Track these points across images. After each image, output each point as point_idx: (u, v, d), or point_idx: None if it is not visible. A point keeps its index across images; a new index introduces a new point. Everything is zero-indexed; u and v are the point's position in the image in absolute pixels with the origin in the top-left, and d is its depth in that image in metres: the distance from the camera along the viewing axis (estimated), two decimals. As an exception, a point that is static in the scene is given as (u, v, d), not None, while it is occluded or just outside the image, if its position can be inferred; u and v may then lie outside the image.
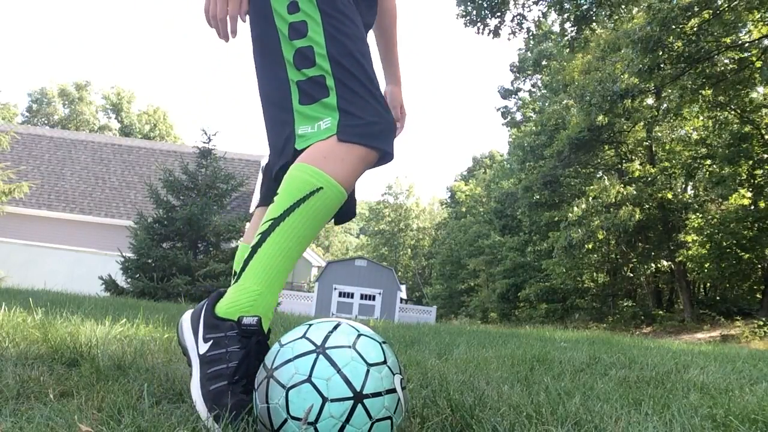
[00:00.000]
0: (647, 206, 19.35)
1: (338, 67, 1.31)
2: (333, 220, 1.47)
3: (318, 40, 1.32)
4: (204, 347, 1.20)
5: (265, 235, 1.22)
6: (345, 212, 1.45)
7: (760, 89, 16.98)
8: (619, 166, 22.18)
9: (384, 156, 1.33)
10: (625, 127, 20.04)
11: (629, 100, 17.18)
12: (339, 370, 1.05)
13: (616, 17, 15.33)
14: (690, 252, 18.58)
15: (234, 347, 1.19)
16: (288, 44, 1.34)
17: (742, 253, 17.50)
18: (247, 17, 1.45)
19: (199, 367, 1.19)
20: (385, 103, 1.35)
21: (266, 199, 1.52)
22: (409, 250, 50.77)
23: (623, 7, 15.19)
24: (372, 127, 1.29)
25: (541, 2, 15.18)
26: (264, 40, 1.39)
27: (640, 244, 20.99)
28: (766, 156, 16.73)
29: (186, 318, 1.30)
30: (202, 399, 1.16)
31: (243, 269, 1.23)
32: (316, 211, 1.24)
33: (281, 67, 1.35)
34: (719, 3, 14.03)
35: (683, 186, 21.65)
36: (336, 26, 1.34)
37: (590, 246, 19.52)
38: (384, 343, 1.18)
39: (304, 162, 1.25)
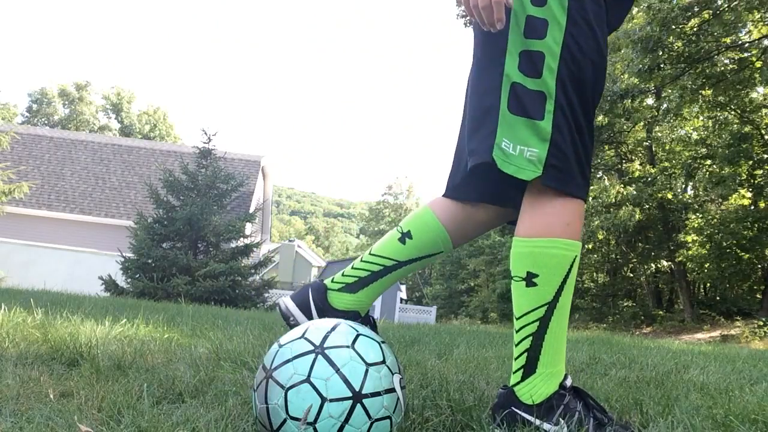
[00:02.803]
0: (647, 206, 19.34)
1: (564, 91, 1.18)
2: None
3: (554, 49, 1.17)
4: (555, 428, 1.19)
5: (543, 323, 1.21)
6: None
7: (760, 89, 16.97)
8: (619, 166, 22.17)
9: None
10: (625, 127, 20.02)
11: (629, 100, 17.16)
12: (338, 370, 1.05)
13: (616, 17, 15.31)
14: (690, 252, 18.57)
15: (576, 405, 1.20)
16: (518, 37, 1.19)
17: (742, 253, 17.49)
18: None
19: None
20: (587, 145, 1.26)
21: (459, 192, 1.44)
22: (409, 250, 50.72)
23: (623, 7, 15.17)
24: (577, 178, 1.22)
25: (541, 2, 15.16)
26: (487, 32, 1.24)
27: (640, 244, 20.98)
28: (766, 156, 16.73)
29: None
30: None
31: (534, 359, 1.21)
32: (573, 280, 1.23)
33: (499, 59, 1.21)
34: (719, 3, 14.02)
35: (683, 186, 21.64)
36: (578, 40, 1.19)
37: (590, 246, 19.52)
38: (383, 342, 1.18)
39: (549, 237, 1.20)
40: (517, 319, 1.24)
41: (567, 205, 1.21)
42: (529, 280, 1.21)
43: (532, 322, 1.21)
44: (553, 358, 1.21)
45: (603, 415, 1.22)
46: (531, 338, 1.21)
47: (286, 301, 1.51)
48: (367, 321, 1.47)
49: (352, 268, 1.48)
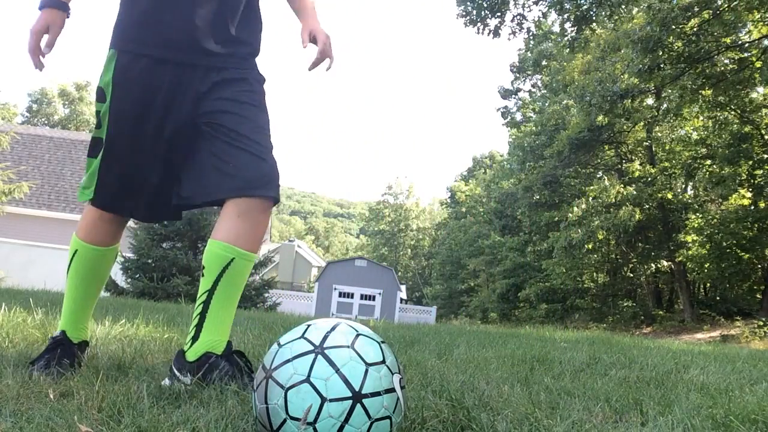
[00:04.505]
0: (647, 206, 19.32)
1: (109, 139, 1.63)
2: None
3: (104, 109, 1.63)
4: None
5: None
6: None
7: (760, 89, 16.95)
8: (619, 166, 22.16)
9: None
10: (625, 127, 20.01)
11: (629, 100, 17.15)
12: (338, 370, 1.05)
13: (616, 17, 15.32)
14: (690, 252, 18.55)
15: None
16: (96, 103, 1.68)
17: (742, 253, 17.47)
18: None
19: None
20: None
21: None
22: (409, 250, 50.71)
23: (623, 7, 15.18)
24: (102, 195, 1.68)
25: (541, 2, 15.17)
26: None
27: (640, 244, 20.96)
28: (766, 156, 16.71)
29: None
30: None
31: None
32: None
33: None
34: (719, 3, 14.02)
35: (683, 186, 21.62)
36: (119, 102, 1.62)
37: (590, 246, 19.49)
38: (383, 342, 1.18)
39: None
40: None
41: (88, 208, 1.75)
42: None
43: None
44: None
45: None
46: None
47: (165, 382, 1.64)
48: (229, 353, 1.61)
49: (190, 323, 1.71)
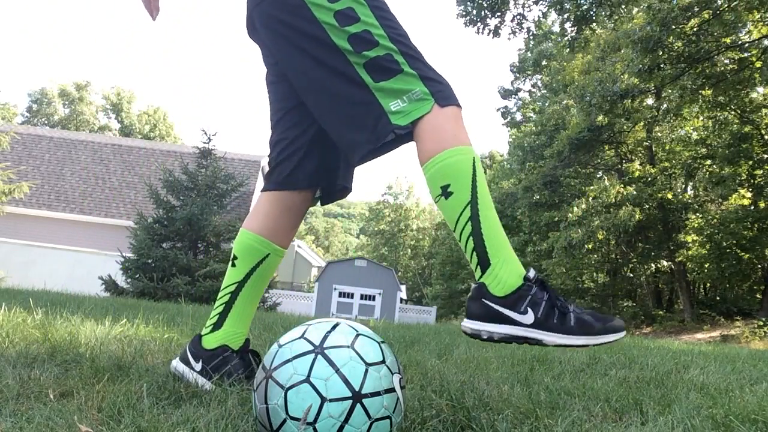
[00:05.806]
0: (647, 206, 19.32)
1: (400, 43, 1.37)
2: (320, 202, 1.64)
3: (372, 22, 1.37)
4: (522, 316, 1.28)
5: (474, 220, 1.31)
6: (339, 190, 1.63)
7: (760, 89, 16.97)
8: (619, 166, 22.16)
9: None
10: (625, 127, 20.02)
11: (629, 100, 17.16)
12: (337, 370, 1.05)
13: (616, 17, 15.34)
14: (690, 252, 18.56)
15: (542, 296, 1.29)
16: (339, 32, 1.36)
17: (742, 253, 17.48)
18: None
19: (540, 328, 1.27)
20: None
21: (286, 184, 1.59)
22: (409, 250, 50.69)
23: (623, 7, 15.20)
24: (450, 87, 1.39)
25: (541, 2, 15.18)
26: (305, 37, 1.39)
27: (640, 244, 20.97)
28: (766, 156, 16.73)
29: (479, 323, 1.32)
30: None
31: (483, 253, 1.30)
32: (482, 176, 1.35)
33: (337, 56, 1.36)
34: (719, 3, 14.02)
35: (683, 186, 21.63)
36: (379, 6, 1.41)
37: (590, 246, 19.49)
38: (383, 342, 1.18)
39: (445, 148, 1.32)
40: (454, 231, 1.34)
41: (446, 117, 1.34)
42: (445, 192, 1.32)
43: (466, 224, 1.31)
44: (497, 244, 1.31)
45: (564, 305, 1.31)
46: (471, 238, 1.31)
47: (175, 363, 1.60)
48: (245, 350, 1.58)
49: (213, 309, 1.62)
